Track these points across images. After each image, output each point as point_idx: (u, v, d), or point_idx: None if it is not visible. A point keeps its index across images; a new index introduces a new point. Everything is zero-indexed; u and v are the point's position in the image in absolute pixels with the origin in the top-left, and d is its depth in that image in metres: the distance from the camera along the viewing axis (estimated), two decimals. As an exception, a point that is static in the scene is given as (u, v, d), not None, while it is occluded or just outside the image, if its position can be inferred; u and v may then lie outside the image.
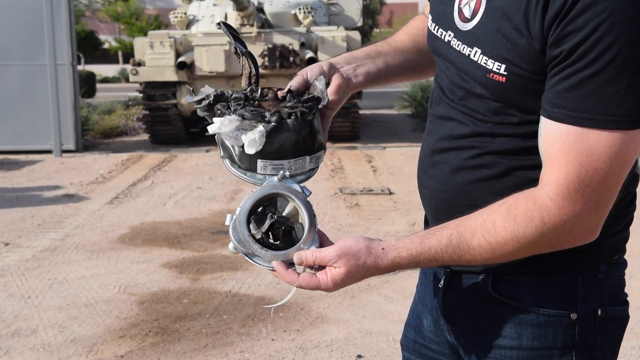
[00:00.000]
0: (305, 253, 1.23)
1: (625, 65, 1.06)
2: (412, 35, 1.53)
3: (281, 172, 1.27)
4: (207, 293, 4.55)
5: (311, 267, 1.24)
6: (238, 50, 1.35)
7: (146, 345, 3.78)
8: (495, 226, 1.16)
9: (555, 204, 1.12)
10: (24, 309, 4.31)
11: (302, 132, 1.26)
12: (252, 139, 1.25)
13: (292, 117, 1.27)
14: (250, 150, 1.25)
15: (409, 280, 4.67)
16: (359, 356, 3.63)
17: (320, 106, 1.34)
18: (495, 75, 1.17)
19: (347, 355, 3.64)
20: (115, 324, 4.06)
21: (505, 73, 1.16)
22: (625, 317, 1.32)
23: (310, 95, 1.34)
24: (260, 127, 1.25)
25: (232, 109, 1.28)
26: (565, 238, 1.16)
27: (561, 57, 1.09)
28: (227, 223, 1.27)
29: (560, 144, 1.11)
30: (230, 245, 1.27)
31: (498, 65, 1.17)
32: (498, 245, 1.16)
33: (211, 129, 1.29)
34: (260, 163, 1.27)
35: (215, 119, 1.29)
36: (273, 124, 1.25)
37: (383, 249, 1.21)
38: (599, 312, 1.26)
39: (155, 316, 4.17)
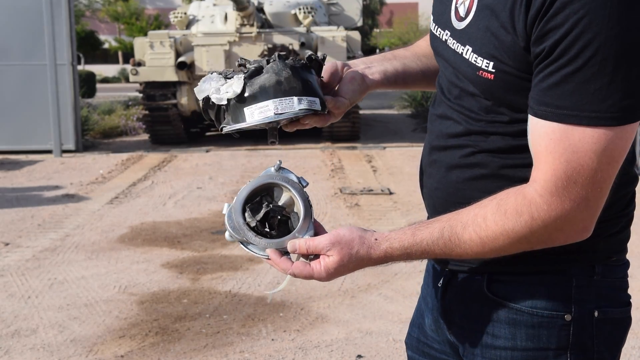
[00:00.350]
0: (298, 241, 1.24)
1: (606, 61, 1.06)
2: None
3: (269, 113, 1.26)
4: (207, 293, 4.56)
5: (306, 257, 1.25)
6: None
7: (146, 345, 3.78)
8: (486, 220, 1.16)
9: (544, 200, 1.13)
10: (24, 309, 4.31)
11: (283, 73, 1.27)
12: (230, 84, 1.27)
13: (272, 61, 1.29)
14: (230, 94, 1.26)
15: (409, 281, 4.67)
16: (359, 356, 3.63)
17: (308, 57, 1.34)
18: (484, 73, 1.18)
19: (347, 355, 3.64)
20: (115, 324, 4.06)
21: (494, 70, 1.17)
22: (626, 320, 1.31)
23: None
24: (239, 74, 1.27)
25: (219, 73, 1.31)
26: (556, 235, 1.16)
27: (543, 54, 1.10)
28: (223, 212, 1.28)
29: (547, 141, 1.12)
30: (226, 233, 1.28)
31: (487, 63, 1.17)
32: (488, 240, 1.17)
33: (196, 90, 1.31)
34: (247, 111, 1.27)
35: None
36: (252, 68, 1.27)
37: (376, 239, 1.22)
38: (596, 313, 1.25)
39: (155, 316, 4.17)
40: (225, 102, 1.28)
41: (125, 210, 6.92)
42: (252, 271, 4.96)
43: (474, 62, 1.19)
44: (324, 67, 1.38)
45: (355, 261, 1.21)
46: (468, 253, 1.19)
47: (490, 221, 1.16)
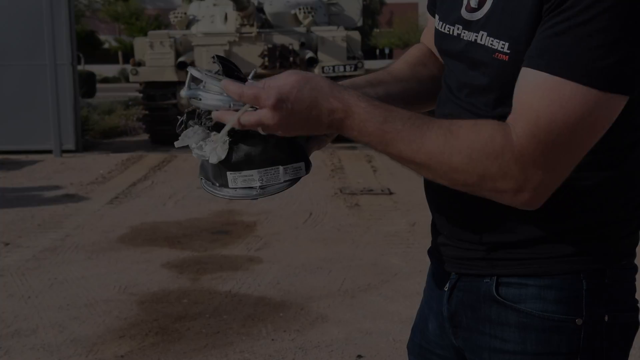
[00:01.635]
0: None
1: (614, 20, 1.04)
2: (411, 64, 1.53)
3: (253, 184, 1.22)
4: (207, 293, 4.55)
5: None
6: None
7: (146, 345, 3.78)
8: (460, 129, 1.13)
9: (519, 141, 1.10)
10: (24, 309, 4.31)
11: (270, 139, 1.20)
12: (214, 147, 1.21)
13: None
14: (213, 159, 1.21)
15: (409, 281, 4.67)
16: (359, 356, 3.63)
17: None
18: (499, 55, 1.18)
19: (347, 355, 3.64)
20: (115, 324, 4.06)
21: (509, 51, 1.16)
22: (635, 324, 1.29)
23: None
24: (224, 135, 1.20)
25: (202, 123, 1.25)
26: (509, 185, 1.12)
27: (553, 5, 1.08)
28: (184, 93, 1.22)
29: (535, 89, 1.09)
30: (183, 92, 1.23)
31: (502, 44, 1.17)
32: (451, 148, 1.12)
33: (177, 143, 1.26)
34: (230, 176, 1.23)
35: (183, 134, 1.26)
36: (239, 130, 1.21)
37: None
38: (606, 318, 1.24)
39: (155, 316, 4.17)
40: (206, 159, 1.23)
41: (125, 210, 6.92)
42: (252, 271, 4.96)
43: (490, 45, 1.19)
44: None
45: (305, 81, 1.14)
46: (420, 150, 1.15)
47: (462, 133, 1.13)
